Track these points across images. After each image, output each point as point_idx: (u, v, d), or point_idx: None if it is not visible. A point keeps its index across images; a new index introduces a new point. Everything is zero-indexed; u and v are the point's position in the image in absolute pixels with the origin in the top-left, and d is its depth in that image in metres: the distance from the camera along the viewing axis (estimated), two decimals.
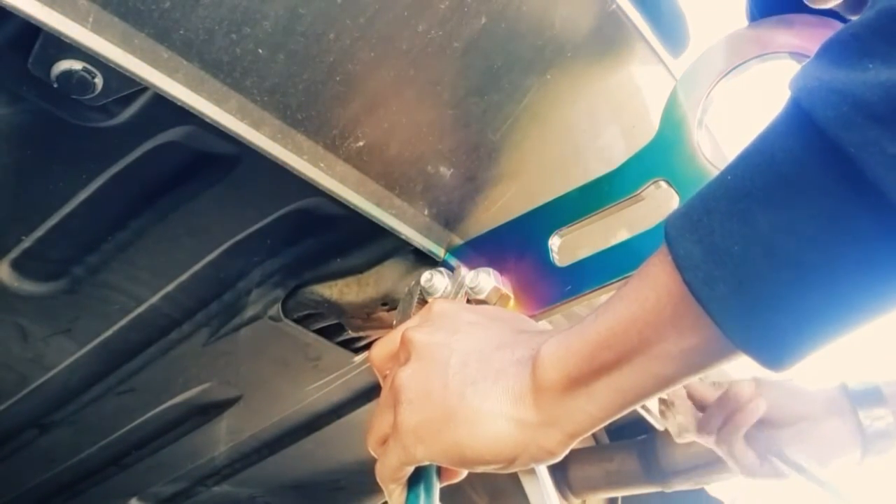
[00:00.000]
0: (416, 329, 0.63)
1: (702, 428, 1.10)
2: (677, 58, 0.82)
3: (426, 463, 0.61)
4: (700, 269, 0.45)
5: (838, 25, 0.60)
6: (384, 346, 0.69)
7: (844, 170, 0.39)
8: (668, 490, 1.34)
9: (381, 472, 0.62)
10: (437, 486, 0.64)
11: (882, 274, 0.41)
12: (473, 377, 0.57)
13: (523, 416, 0.55)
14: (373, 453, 0.64)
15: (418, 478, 0.63)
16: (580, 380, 0.53)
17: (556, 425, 0.54)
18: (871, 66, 0.39)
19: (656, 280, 0.49)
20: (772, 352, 0.45)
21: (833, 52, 0.41)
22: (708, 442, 1.10)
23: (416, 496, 0.63)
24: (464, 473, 0.66)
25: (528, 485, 1.16)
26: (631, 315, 0.50)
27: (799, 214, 0.41)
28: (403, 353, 0.63)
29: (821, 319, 0.43)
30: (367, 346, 1.04)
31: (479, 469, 0.58)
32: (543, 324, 0.82)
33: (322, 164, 0.70)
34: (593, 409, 0.53)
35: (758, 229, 0.43)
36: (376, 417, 0.64)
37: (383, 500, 0.66)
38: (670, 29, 0.81)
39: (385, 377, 0.68)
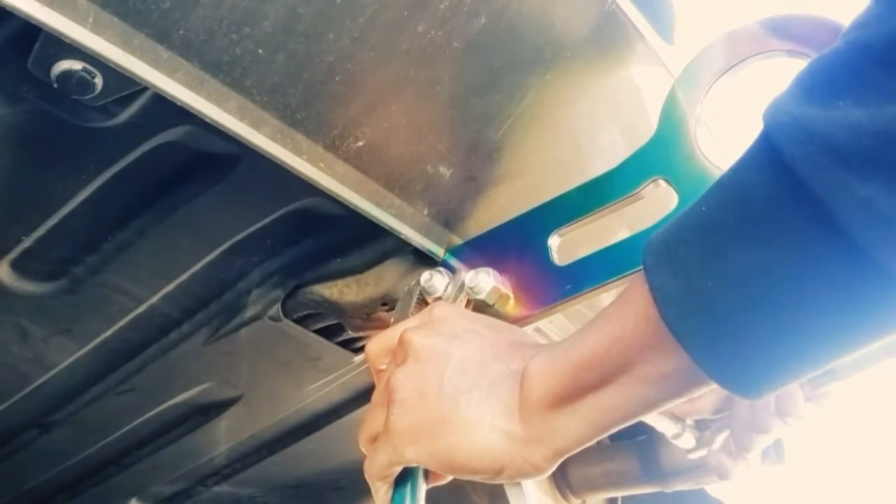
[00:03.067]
0: (415, 330, 0.64)
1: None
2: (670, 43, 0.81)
3: (414, 464, 0.61)
4: (675, 302, 0.45)
5: (836, 24, 0.60)
6: (381, 341, 0.69)
7: (813, 209, 0.39)
8: (668, 490, 1.34)
9: (370, 470, 0.63)
10: (423, 487, 0.64)
11: (852, 313, 0.41)
12: (468, 385, 0.58)
13: (512, 430, 0.55)
14: (363, 449, 0.64)
15: (405, 478, 0.64)
16: (565, 398, 0.53)
17: (543, 441, 0.55)
18: (840, 103, 0.38)
19: (636, 304, 0.49)
20: (744, 384, 0.45)
21: (804, 85, 0.41)
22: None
23: (402, 496, 0.63)
24: (450, 476, 0.66)
25: (512, 497, 1.16)
26: (612, 337, 0.51)
27: (770, 252, 0.42)
28: (401, 353, 0.63)
29: (792, 355, 0.44)
30: None
31: (466, 477, 0.58)
32: (541, 323, 0.82)
33: (322, 164, 0.70)
34: (578, 428, 0.54)
35: (730, 266, 0.43)
36: (369, 414, 0.64)
37: None
38: (671, 29, 0.81)
39: (379, 373, 0.68)
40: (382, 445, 0.60)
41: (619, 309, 0.51)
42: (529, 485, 1.16)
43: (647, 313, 0.48)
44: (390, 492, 0.64)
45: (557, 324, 0.92)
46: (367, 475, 0.63)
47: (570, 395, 0.53)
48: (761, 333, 0.43)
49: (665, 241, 0.47)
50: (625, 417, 0.52)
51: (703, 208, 0.45)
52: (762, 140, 0.42)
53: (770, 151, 0.41)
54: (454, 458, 0.57)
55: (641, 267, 0.48)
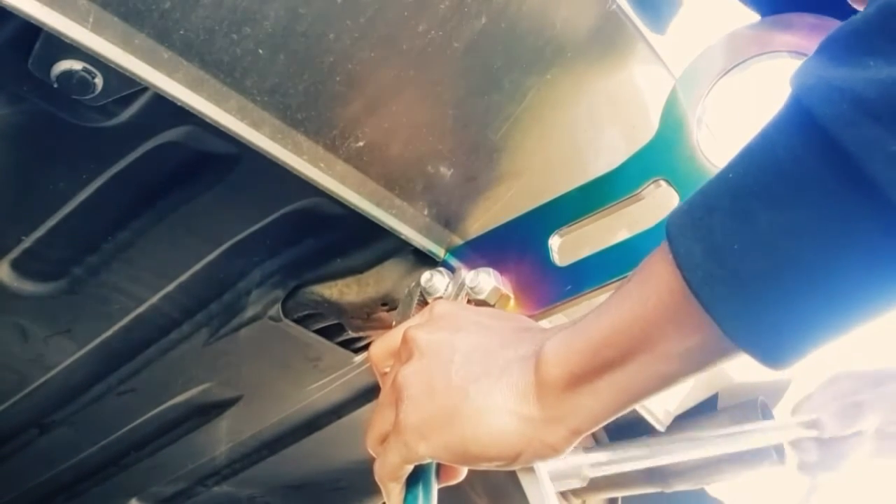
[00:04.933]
0: (418, 328, 0.63)
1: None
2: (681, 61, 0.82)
3: (427, 461, 0.61)
4: (700, 268, 0.44)
5: (838, 24, 0.60)
6: (384, 343, 0.68)
7: (844, 168, 0.39)
8: (668, 490, 1.34)
9: (381, 471, 0.62)
10: (435, 486, 0.64)
11: (882, 272, 0.41)
12: (477, 374, 0.57)
13: (527, 413, 0.55)
14: (372, 452, 0.64)
15: (417, 477, 0.63)
16: (583, 377, 0.53)
17: (560, 422, 0.54)
18: (871, 63, 0.38)
19: (658, 278, 0.48)
20: (772, 351, 0.44)
21: (833, 48, 0.41)
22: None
23: (415, 496, 0.63)
24: (463, 474, 0.66)
25: (526, 485, 1.15)
26: (633, 314, 0.50)
27: (800, 213, 0.41)
28: (405, 352, 0.63)
29: (821, 318, 0.43)
30: (367, 347, 1.03)
31: (483, 466, 0.58)
32: (545, 323, 0.82)
33: (322, 164, 0.70)
34: (597, 406, 0.53)
35: (758, 228, 0.42)
36: (376, 415, 0.64)
37: (383, 501, 0.66)
38: (671, 30, 0.81)
39: (384, 375, 0.68)
40: (394, 444, 0.60)
41: (638, 285, 0.51)
42: (543, 469, 1.16)
43: (669, 286, 0.47)
44: (403, 492, 0.63)
45: (557, 324, 0.92)
46: (377, 476, 0.63)
47: (588, 374, 0.52)
48: (790, 296, 0.42)
49: (689, 210, 0.46)
50: (644, 394, 0.52)
51: (730, 175, 0.45)
52: (791, 103, 0.42)
53: (800, 113, 0.41)
54: (469, 448, 0.56)
55: (663, 241, 0.47)
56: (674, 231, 0.47)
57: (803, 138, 0.41)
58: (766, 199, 0.42)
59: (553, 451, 0.55)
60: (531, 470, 0.69)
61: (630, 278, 0.52)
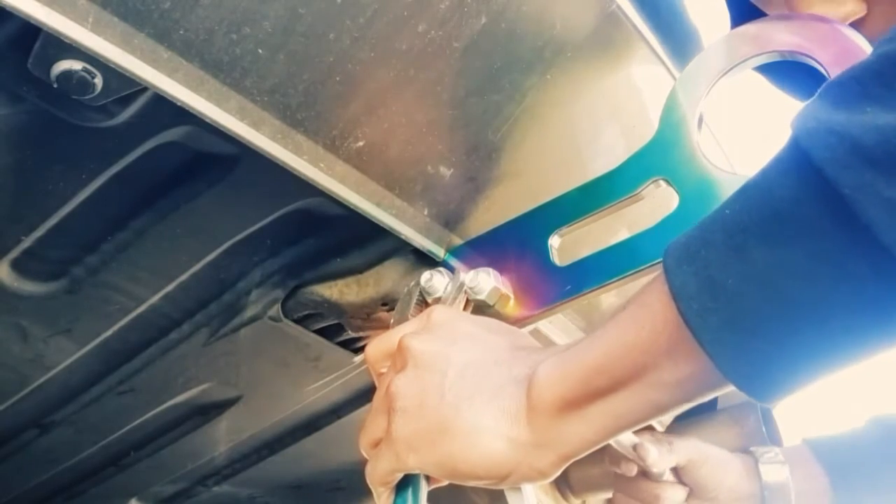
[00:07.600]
0: (413, 336, 0.63)
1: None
2: (681, 61, 0.82)
3: (417, 472, 0.61)
4: (694, 300, 0.45)
5: (837, 24, 0.60)
6: (380, 344, 0.69)
7: (839, 210, 0.40)
8: None
9: (372, 475, 0.63)
10: (424, 492, 0.65)
11: (873, 314, 0.41)
12: (470, 392, 0.57)
13: (517, 436, 0.55)
14: (364, 454, 0.64)
15: (407, 482, 0.64)
16: (575, 403, 0.53)
17: (550, 446, 0.55)
18: (869, 109, 0.39)
19: (653, 308, 0.49)
20: (761, 386, 0.45)
21: (834, 93, 0.42)
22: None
23: (404, 499, 0.64)
24: None
25: (511, 500, 1.16)
26: (627, 342, 0.51)
27: (794, 252, 0.42)
28: (400, 360, 0.63)
29: (811, 356, 0.44)
30: None
31: (471, 483, 0.58)
32: (541, 324, 0.82)
33: (322, 164, 0.70)
34: (587, 433, 0.53)
35: (753, 264, 0.43)
36: (370, 419, 0.64)
37: None
38: (671, 30, 0.81)
39: (380, 376, 0.68)
40: (384, 452, 0.60)
41: (634, 313, 0.51)
42: (529, 488, 1.16)
43: (664, 317, 0.48)
44: (392, 496, 0.64)
45: (557, 324, 0.92)
46: (368, 480, 0.63)
47: (580, 399, 0.53)
48: (781, 332, 0.43)
49: (686, 244, 0.47)
50: (635, 422, 0.52)
51: (727, 212, 0.45)
52: (790, 146, 0.43)
53: (798, 155, 0.42)
54: (457, 465, 0.57)
55: (660, 271, 0.48)
56: (670, 262, 0.47)
57: (800, 180, 0.42)
58: (761, 237, 0.43)
59: (541, 475, 0.56)
60: (518, 488, 0.69)
61: (625, 306, 0.53)
